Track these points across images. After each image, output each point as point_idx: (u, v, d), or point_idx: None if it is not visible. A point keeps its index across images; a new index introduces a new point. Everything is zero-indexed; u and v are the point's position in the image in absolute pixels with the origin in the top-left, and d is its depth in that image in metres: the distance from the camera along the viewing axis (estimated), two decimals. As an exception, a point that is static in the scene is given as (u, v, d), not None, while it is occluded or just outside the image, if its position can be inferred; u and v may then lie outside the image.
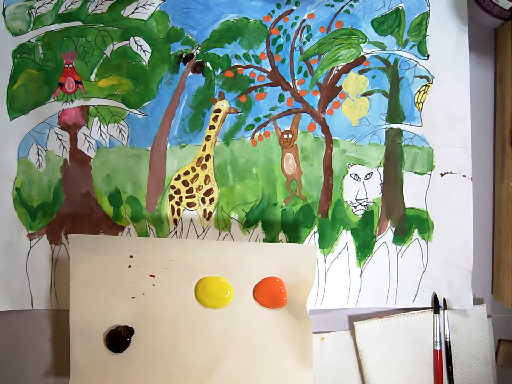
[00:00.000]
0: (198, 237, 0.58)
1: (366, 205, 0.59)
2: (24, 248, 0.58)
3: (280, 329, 0.55)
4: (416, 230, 0.59)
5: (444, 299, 0.58)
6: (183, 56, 0.59)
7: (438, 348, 0.57)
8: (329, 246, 0.58)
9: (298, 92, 0.59)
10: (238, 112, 0.59)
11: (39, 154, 0.58)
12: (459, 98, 0.58)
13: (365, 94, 0.59)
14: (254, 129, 0.59)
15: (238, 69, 0.59)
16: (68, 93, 0.58)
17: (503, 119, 0.58)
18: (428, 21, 0.59)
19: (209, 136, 0.58)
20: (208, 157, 0.58)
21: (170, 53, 0.59)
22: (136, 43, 0.59)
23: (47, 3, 0.58)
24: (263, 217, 0.58)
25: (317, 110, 0.59)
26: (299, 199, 0.59)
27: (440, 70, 0.59)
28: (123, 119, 0.58)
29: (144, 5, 0.58)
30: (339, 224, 0.59)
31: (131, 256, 0.54)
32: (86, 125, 0.59)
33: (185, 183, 0.58)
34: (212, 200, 0.58)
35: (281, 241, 0.58)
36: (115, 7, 0.58)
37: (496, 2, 0.54)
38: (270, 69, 0.59)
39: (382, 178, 0.59)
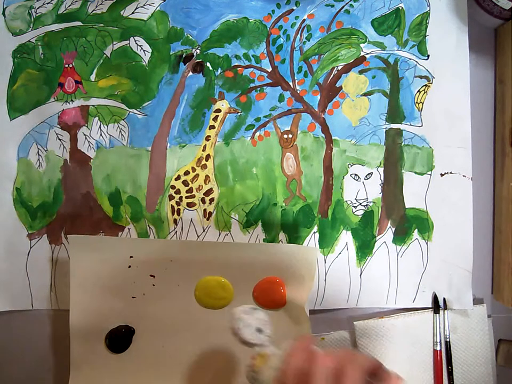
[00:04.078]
0: (198, 237, 0.58)
1: (366, 205, 0.59)
2: (24, 248, 0.58)
3: (279, 329, 0.55)
4: (416, 230, 0.59)
5: (444, 299, 0.58)
6: (183, 56, 0.59)
7: (438, 348, 0.57)
8: (329, 246, 0.58)
9: (298, 92, 0.59)
10: (238, 112, 0.59)
11: (39, 154, 0.58)
12: (459, 98, 0.58)
13: (365, 94, 0.59)
14: (254, 129, 0.59)
15: (238, 69, 0.59)
16: (68, 93, 0.58)
17: (503, 119, 0.58)
18: (428, 21, 0.59)
19: (209, 136, 0.58)
20: (208, 157, 0.58)
21: (170, 53, 0.58)
22: (136, 43, 0.58)
23: (47, 3, 0.58)
24: (263, 217, 0.58)
25: (317, 110, 0.59)
26: (299, 199, 0.59)
27: (440, 70, 0.59)
28: (123, 119, 0.58)
29: (144, 5, 0.58)
30: (339, 224, 0.58)
31: (131, 257, 0.54)
32: (86, 125, 0.58)
33: (185, 183, 0.58)
34: (212, 200, 0.58)
35: (281, 241, 0.58)
36: (115, 7, 0.58)
37: (496, 2, 0.54)
38: (270, 69, 0.59)
39: (382, 178, 0.59)
